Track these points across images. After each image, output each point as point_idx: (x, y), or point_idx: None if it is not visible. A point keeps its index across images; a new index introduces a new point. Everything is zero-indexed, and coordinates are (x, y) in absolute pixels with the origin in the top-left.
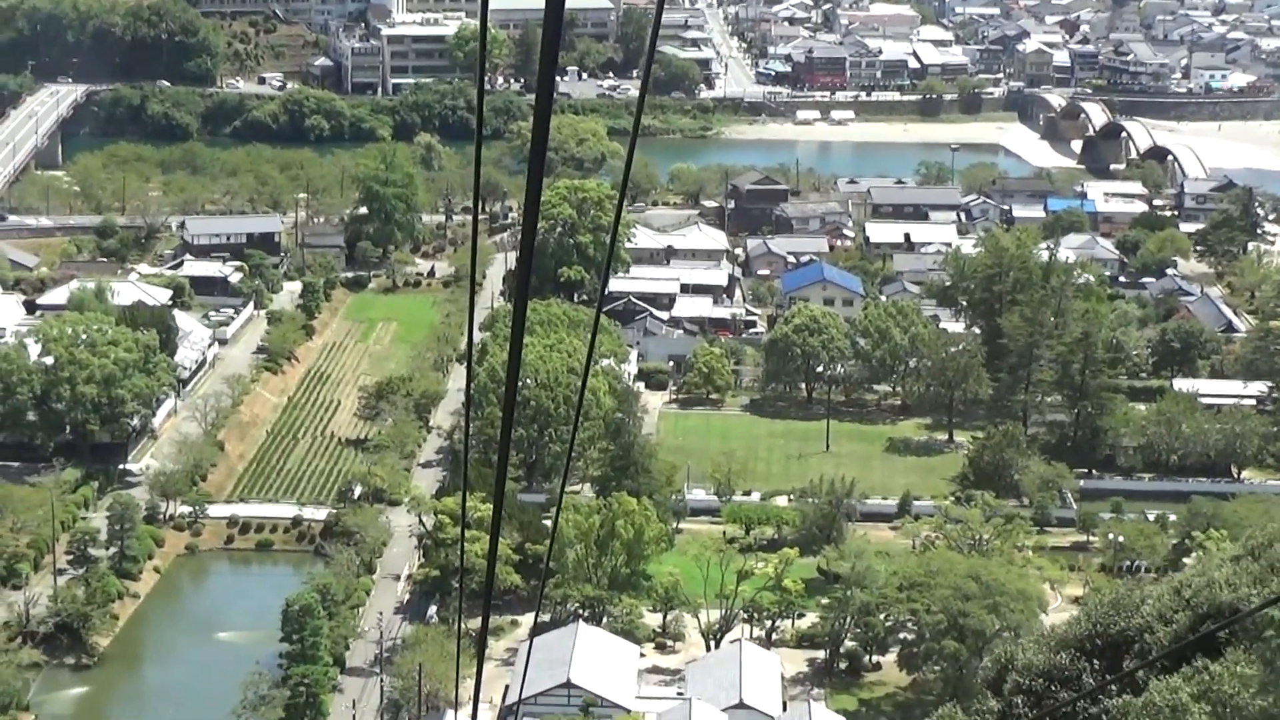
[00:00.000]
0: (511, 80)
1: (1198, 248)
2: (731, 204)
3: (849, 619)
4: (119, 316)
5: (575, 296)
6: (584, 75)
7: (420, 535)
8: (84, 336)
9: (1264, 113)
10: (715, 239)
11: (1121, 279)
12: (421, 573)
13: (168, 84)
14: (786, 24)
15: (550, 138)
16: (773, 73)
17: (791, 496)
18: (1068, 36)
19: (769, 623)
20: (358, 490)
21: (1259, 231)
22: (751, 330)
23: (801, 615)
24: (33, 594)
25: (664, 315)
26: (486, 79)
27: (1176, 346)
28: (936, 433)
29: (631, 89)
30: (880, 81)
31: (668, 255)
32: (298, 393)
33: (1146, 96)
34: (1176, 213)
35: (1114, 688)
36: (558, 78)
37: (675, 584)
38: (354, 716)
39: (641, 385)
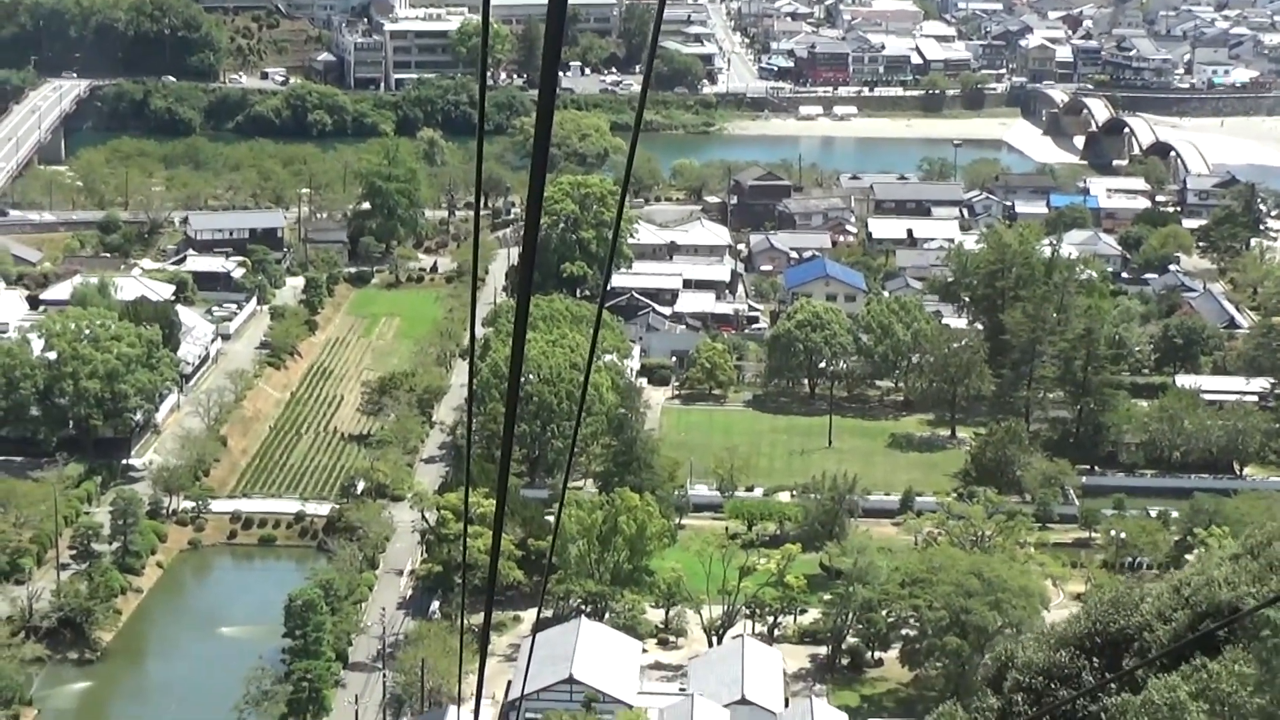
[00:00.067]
0: (514, 75)
1: (1200, 244)
2: (734, 199)
3: (851, 615)
4: (122, 312)
5: (578, 292)
6: (587, 70)
7: (423, 531)
8: (87, 332)
9: (1267, 108)
10: (718, 234)
11: (1124, 275)
12: (424, 568)
13: (174, 79)
14: (789, 19)
15: (553, 133)
16: (775, 68)
17: (794, 492)
18: (1070, 32)
19: (771, 619)
20: (360, 485)
21: (1261, 227)
22: (754, 326)
23: (804, 611)
24: (36, 589)
25: (666, 311)
26: (489, 74)
27: (1179, 343)
28: (939, 429)
29: (634, 84)
30: (883, 77)
31: (670, 251)
32: (300, 388)
33: (1149, 92)
34: (1179, 209)
35: (1113, 686)
36: (560, 73)
37: (677, 580)
38: (356, 712)
39: (644, 381)
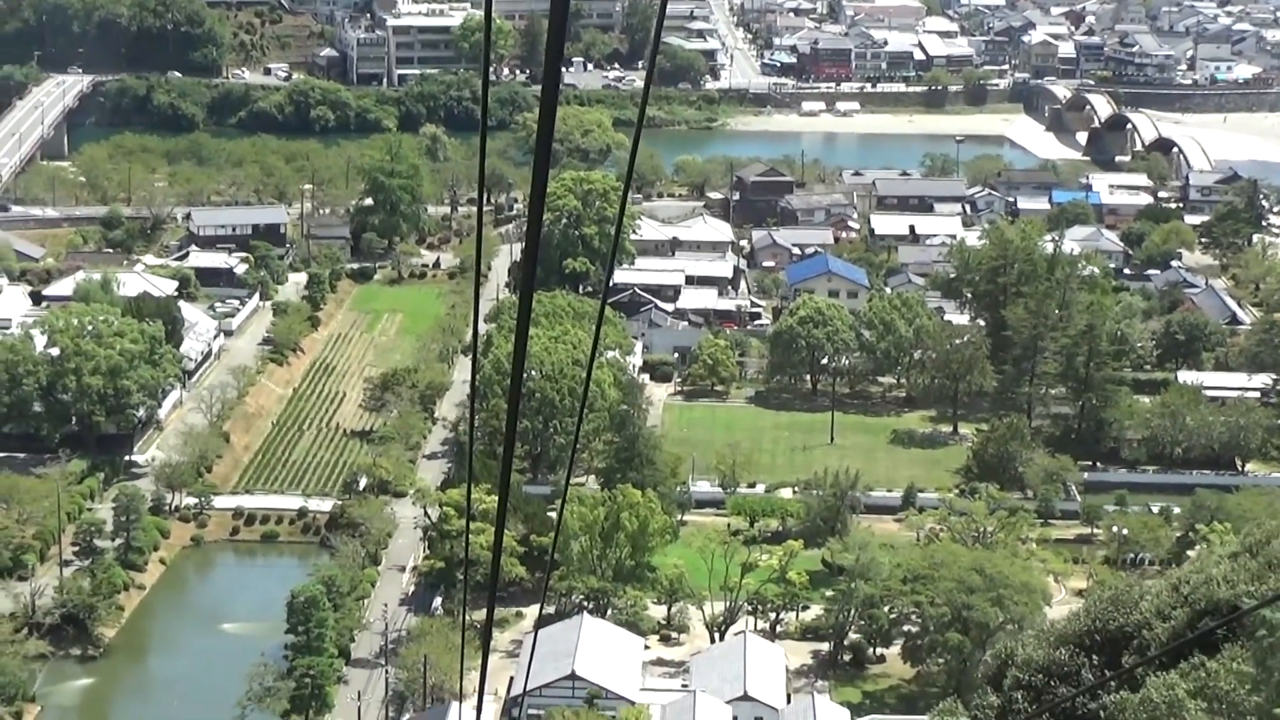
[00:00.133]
0: (517, 71)
1: (1202, 240)
2: (736, 195)
3: (853, 611)
4: (125, 308)
5: (580, 288)
6: (589, 66)
7: (425, 527)
8: (90, 328)
9: (1269, 104)
10: (720, 231)
11: (1126, 271)
12: (426, 564)
13: (179, 74)
14: (792, 15)
15: (555, 129)
16: (778, 64)
17: (796, 488)
18: (1073, 28)
19: (773, 615)
20: (363, 482)
21: (1264, 223)
22: (756, 322)
23: (806, 607)
24: (39, 585)
25: (669, 307)
26: (491, 70)
27: (1181, 339)
28: (941, 425)
29: (637, 80)
30: (885, 73)
31: (673, 247)
32: (303, 384)
33: (1152, 88)
34: (1181, 205)
35: (1113, 684)
36: (563, 69)
37: (680, 576)
38: (359, 708)
39: (646, 377)
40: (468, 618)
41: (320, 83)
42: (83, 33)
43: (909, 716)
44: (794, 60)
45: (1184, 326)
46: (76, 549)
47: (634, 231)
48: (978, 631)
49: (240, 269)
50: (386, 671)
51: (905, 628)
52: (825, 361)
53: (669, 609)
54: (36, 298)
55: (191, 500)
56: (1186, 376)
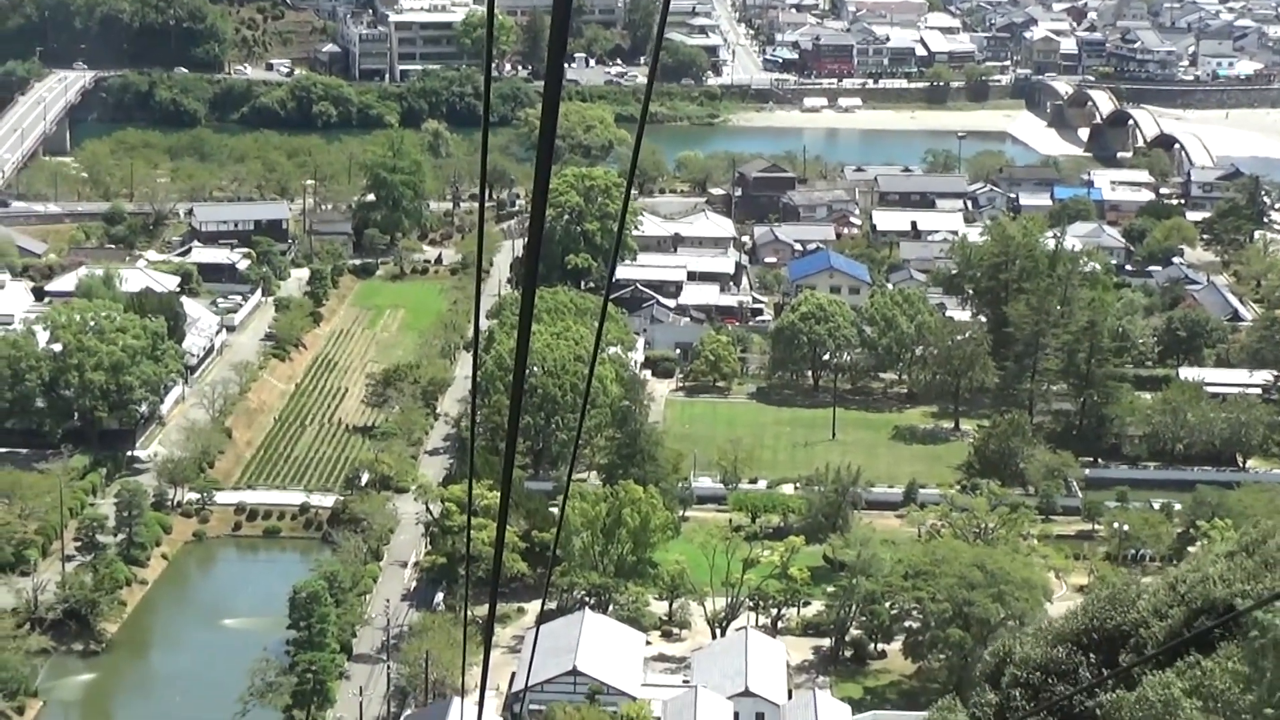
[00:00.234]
0: (519, 67)
1: (1204, 236)
2: (738, 191)
3: (854, 607)
4: (127, 303)
5: (582, 284)
6: (591, 62)
7: (427, 523)
8: (92, 323)
9: (1271, 100)
10: (722, 227)
11: (1128, 267)
12: (428, 560)
13: (186, 70)
14: (794, 11)
15: (558, 125)
16: (780, 60)
17: (797, 484)
18: (1075, 24)
19: (775, 611)
20: (365, 477)
21: (1265, 220)
22: (758, 318)
23: (807, 603)
24: (41, 580)
25: (671, 303)
26: (494, 66)
27: (1182, 335)
28: (942, 421)
29: (639, 76)
30: (888, 69)
31: (675, 243)
32: (305, 380)
33: (1154, 84)
34: (1183, 201)
35: (1110, 682)
36: (565, 64)
37: (681, 572)
38: (361, 704)
39: (648, 373)
40: (469, 613)
41: (322, 78)
42: (85, 29)
43: (910, 712)
44: (796, 56)
45: (1185, 323)
46: (79, 544)
47: (636, 227)
48: (979, 628)
49: (242, 265)
50: (388, 667)
51: (906, 624)
52: (827, 358)
53: (670, 605)
54: (39, 293)
55: (194, 496)
56: (1188, 373)
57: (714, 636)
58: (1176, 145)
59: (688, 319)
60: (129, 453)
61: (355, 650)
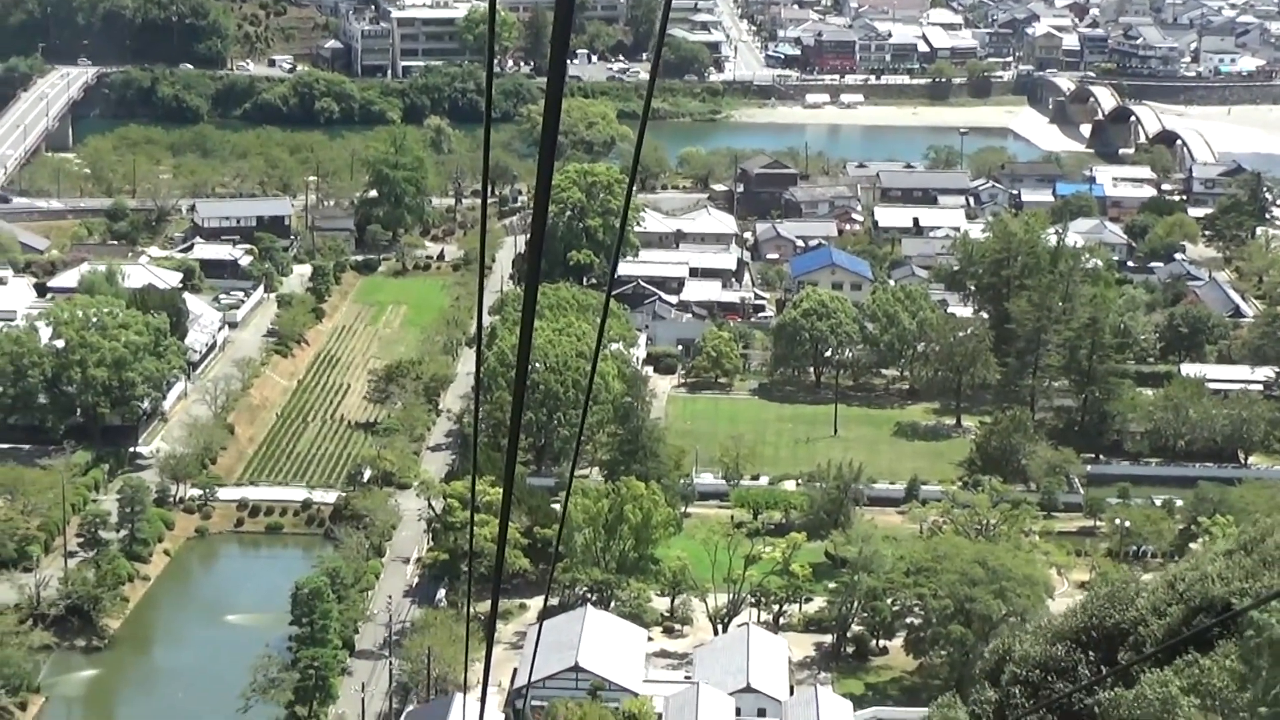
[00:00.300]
0: (521, 63)
1: (1206, 232)
2: (740, 188)
3: (856, 603)
4: (129, 299)
5: (584, 280)
6: (594, 58)
7: (429, 519)
8: (94, 319)
9: (1273, 97)
10: (724, 223)
11: (1129, 264)
12: (430, 556)
13: (191, 66)
14: (796, 7)
15: (560, 121)
16: (782, 56)
17: (799, 481)
18: (1077, 20)
19: (776, 607)
20: (367, 474)
21: (1267, 216)
22: (760, 314)
23: (809, 600)
24: (43, 576)
25: (673, 299)
26: (496, 62)
27: (1184, 331)
28: (944, 417)
29: (641, 72)
30: (889, 65)
31: (677, 239)
32: (307, 376)
33: (1156, 80)
34: (1185, 197)
35: (1109, 680)
36: (567, 60)
37: (683, 568)
38: (363, 700)
39: (650, 369)
40: (471, 610)
41: (325, 75)
42: (87, 24)
43: (911, 708)
44: (798, 52)
45: (1187, 319)
46: (81, 540)
47: (638, 224)
48: (980, 624)
49: (245, 261)
50: (390, 663)
51: (908, 620)
52: (829, 354)
53: (672, 601)
54: (41, 289)
55: (196, 492)
56: (1189, 369)
57: (716, 633)
58: (1178, 141)
59: (690, 315)
60: (131, 449)
61: (357, 646)
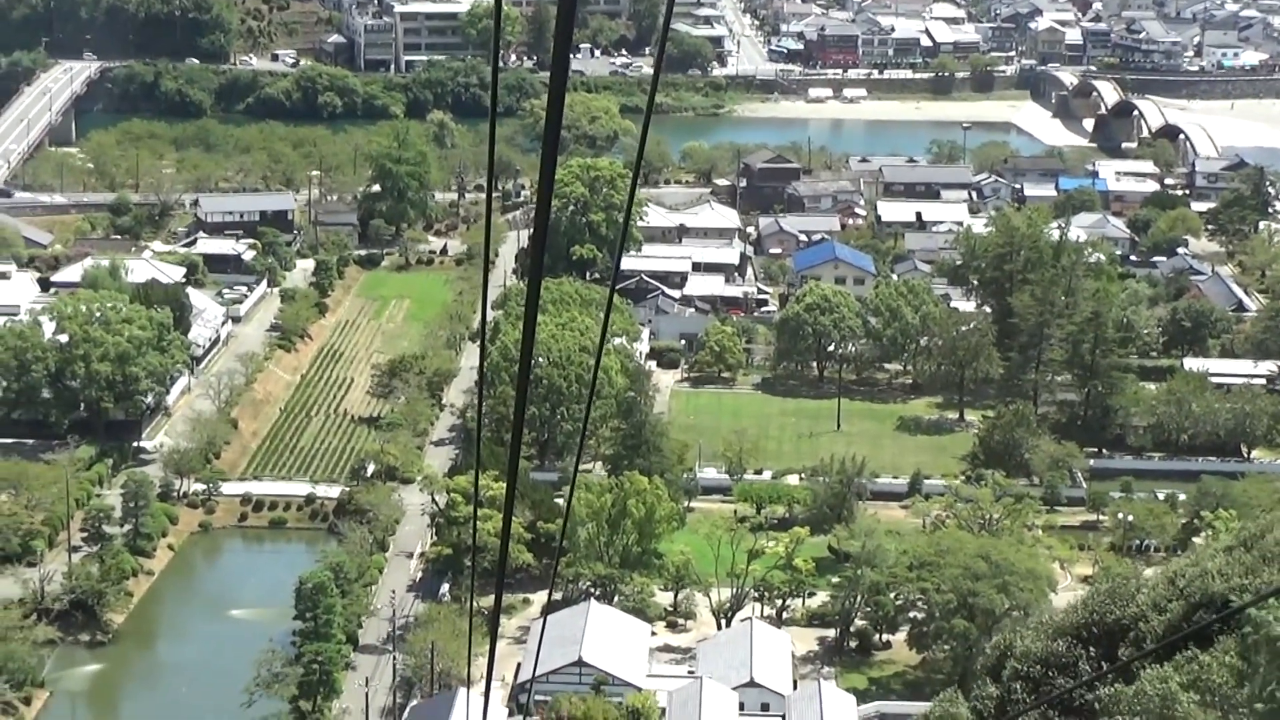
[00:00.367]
0: (524, 58)
1: (1209, 227)
2: (743, 182)
3: (859, 598)
4: (133, 294)
5: (587, 275)
6: (597, 52)
7: (433, 514)
8: (98, 314)
9: (1276, 91)
10: (727, 217)
11: (1132, 258)
12: (434, 551)
13: (198, 61)
14: (799, 1)
15: (563, 115)
16: (785, 50)
17: (802, 475)
18: (1080, 14)
19: (780, 601)
20: (371, 468)
21: (1270, 210)
22: (763, 309)
23: (812, 594)
24: (47, 571)
25: (676, 294)
26: (499, 56)
27: (1187, 326)
28: (947, 412)
29: (644, 66)
30: (892, 59)
31: (680, 234)
32: (311, 370)
33: (1159, 74)
34: (1188, 191)
35: (1111, 675)
36: (570, 55)
37: (686, 563)
38: (367, 694)
39: (653, 364)
40: (475, 604)
41: (328, 69)
42: (90, 19)
43: (914, 703)
44: (801, 47)
45: (1190, 313)
46: (85, 535)
47: (641, 218)
48: (983, 618)
49: (248, 255)
50: (394, 658)
51: (911, 614)
52: (832, 348)
53: (675, 596)
54: (45, 284)
55: (200, 486)
56: (1192, 363)
57: (719, 627)
58: (1181, 136)
59: (693, 310)
60: (135, 443)
61: (361, 641)
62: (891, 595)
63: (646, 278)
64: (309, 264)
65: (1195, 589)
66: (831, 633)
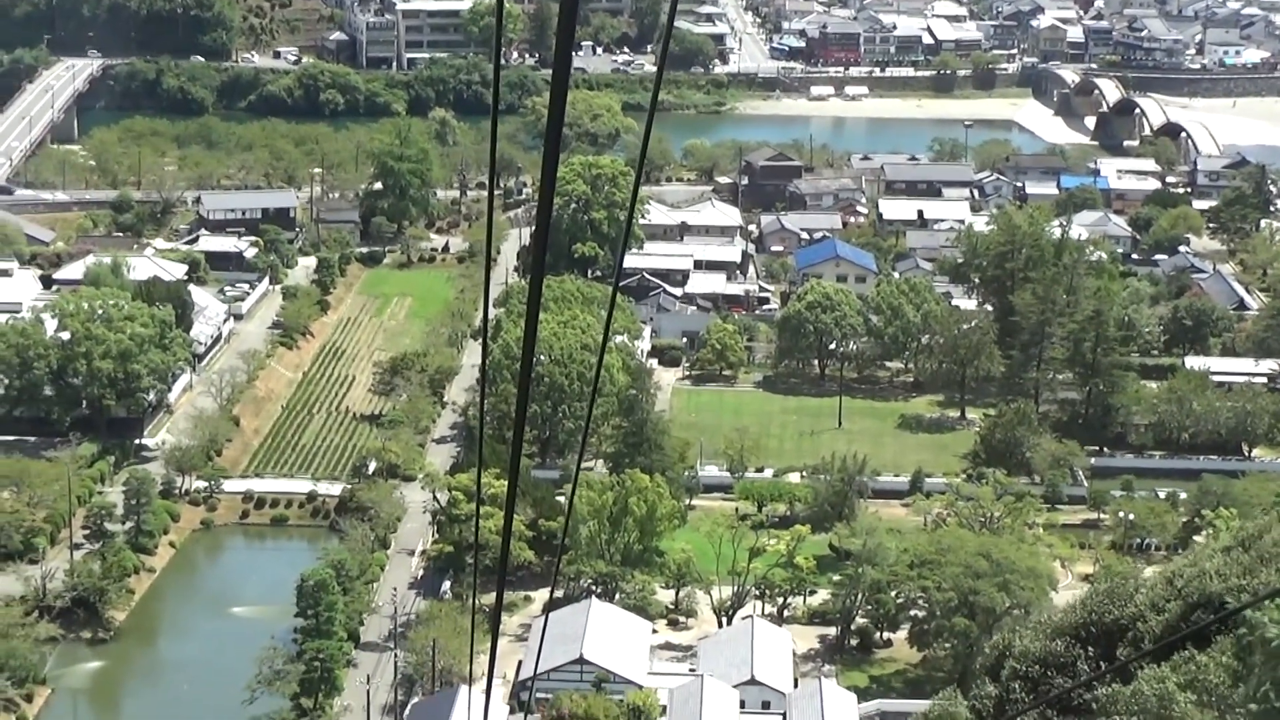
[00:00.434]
0: (526, 55)
1: (1210, 225)
2: (745, 180)
3: (860, 596)
4: (135, 291)
5: (589, 273)
6: (599, 50)
7: (434, 511)
8: (100, 312)
9: (1278, 89)
10: (729, 215)
11: (1134, 256)
12: (435, 548)
13: (200, 59)
14: None
15: (565, 113)
16: (787, 48)
17: (804, 473)
18: (1082, 12)
19: (781, 599)
20: (372, 466)
21: (1272, 208)
22: (764, 307)
23: (813, 592)
24: (49, 568)
25: (677, 291)
26: (501, 54)
27: (1188, 324)
28: (948, 410)
29: (646, 64)
30: (894, 57)
31: (681, 231)
32: (312, 368)
33: (1160, 72)
34: (1189, 190)
35: (1108, 675)
36: (572, 52)
37: (687, 560)
38: (368, 691)
39: (655, 362)
40: (477, 602)
41: (329, 66)
42: (93, 16)
43: (915, 701)
44: (803, 44)
45: (1191, 312)
46: (87, 532)
47: (643, 216)
48: (984, 617)
49: (250, 253)
50: (396, 655)
51: (912, 613)
52: (833, 346)
53: (677, 593)
54: (47, 281)
55: (201, 484)
56: (1193, 362)
57: (720, 625)
58: (1183, 134)
59: (694, 308)
60: (137, 441)
61: (363, 638)
62: (892, 593)
63: (648, 275)
64: (311, 261)
65: (1193, 589)
66: (832, 631)
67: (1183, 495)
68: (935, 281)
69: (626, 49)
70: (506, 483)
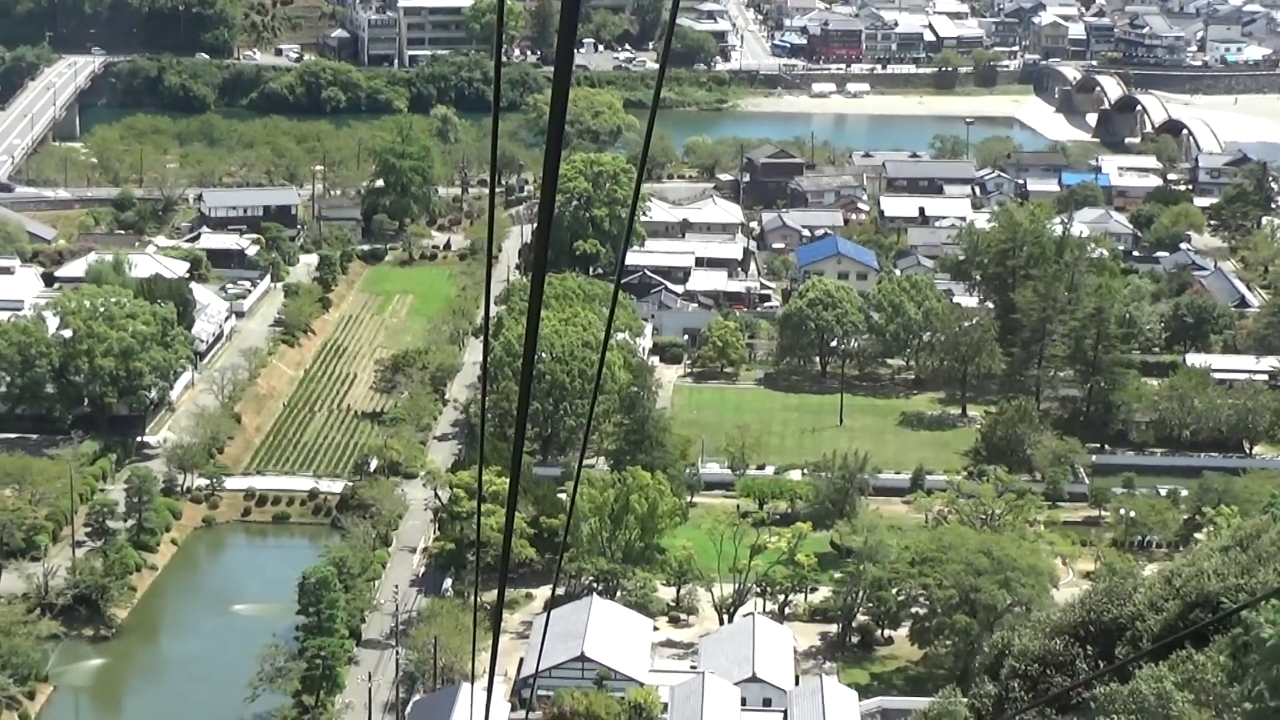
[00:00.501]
0: (528, 52)
1: (1212, 222)
2: (746, 177)
3: (861, 593)
4: (137, 289)
5: (591, 270)
6: (600, 47)
7: (436, 509)
8: (102, 309)
9: (1279, 86)
10: (730, 212)
11: (1135, 253)
12: (437, 546)
13: (202, 56)
14: None
15: (567, 110)
16: (788, 45)
17: (805, 470)
18: (1083, 9)
19: (782, 597)
20: (374, 463)
21: (1273, 205)
22: (766, 304)
23: (814, 589)
24: (51, 566)
25: (679, 289)
26: (503, 51)
27: (1189, 321)
28: (949, 407)
29: (648, 61)
30: (896, 54)
31: (683, 229)
32: (314, 366)
33: (1162, 69)
34: (1191, 187)
35: (1106, 674)
36: (574, 49)
37: (689, 558)
38: (370, 689)
39: (656, 359)
40: (478, 599)
41: (331, 64)
42: (95, 13)
43: (916, 698)
44: (804, 41)
45: (1192, 309)
46: (89, 530)
47: (644, 213)
48: (985, 614)
49: (251, 250)
50: (397, 652)
51: (913, 610)
52: (834, 344)
53: (678, 591)
54: (49, 279)
55: (203, 481)
56: (1195, 359)
57: (721, 622)
58: (1184, 131)
59: (696, 305)
60: (139, 439)
61: (364, 636)
62: (893, 591)
63: (649, 273)
64: (312, 259)
65: (1191, 589)
66: (833, 628)
67: (1184, 492)
68: (936, 279)
69: (628, 46)
70: (508, 480)
